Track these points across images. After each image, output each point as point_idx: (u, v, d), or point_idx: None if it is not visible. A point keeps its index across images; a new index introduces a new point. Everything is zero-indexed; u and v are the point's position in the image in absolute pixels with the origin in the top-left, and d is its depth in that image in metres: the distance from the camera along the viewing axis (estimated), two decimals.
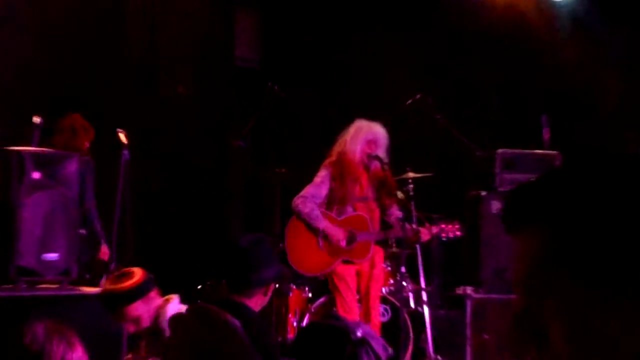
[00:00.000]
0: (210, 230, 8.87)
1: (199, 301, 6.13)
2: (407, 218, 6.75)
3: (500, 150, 7.06)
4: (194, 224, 8.88)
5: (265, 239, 4.04)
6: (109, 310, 4.23)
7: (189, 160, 8.84)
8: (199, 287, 7.72)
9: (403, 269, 7.04)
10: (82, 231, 6.44)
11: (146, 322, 4.18)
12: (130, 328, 4.26)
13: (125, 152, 6.54)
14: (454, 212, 7.27)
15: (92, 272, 6.83)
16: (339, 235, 6.77)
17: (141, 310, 4.15)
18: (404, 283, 7.22)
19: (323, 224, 6.77)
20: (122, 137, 6.62)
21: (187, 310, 3.96)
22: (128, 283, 4.16)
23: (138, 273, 4.23)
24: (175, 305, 4.22)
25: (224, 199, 9.20)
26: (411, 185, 7.20)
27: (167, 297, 4.30)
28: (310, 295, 7.28)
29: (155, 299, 4.21)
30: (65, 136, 6.93)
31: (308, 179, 7.00)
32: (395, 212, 6.93)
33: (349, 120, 6.97)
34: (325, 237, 6.79)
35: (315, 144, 7.97)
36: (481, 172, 7.27)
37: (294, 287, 7.25)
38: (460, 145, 7.58)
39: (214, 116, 9.06)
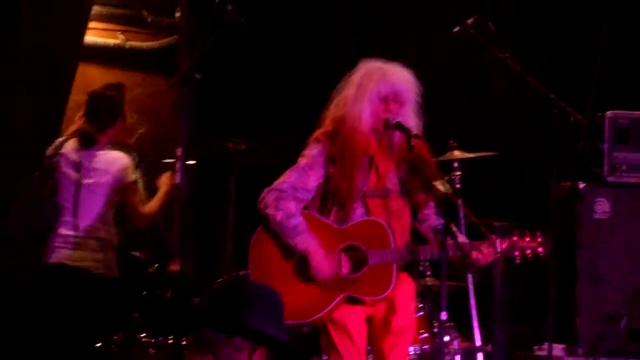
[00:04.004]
0: None
1: None
2: (448, 227, 5.15)
3: (609, 114, 6.33)
4: None
5: None
6: None
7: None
8: None
9: (444, 315, 5.48)
10: None
11: None
12: None
13: None
14: (531, 216, 6.04)
15: None
16: (323, 265, 5.29)
17: None
18: (447, 337, 6.27)
19: (304, 241, 5.31)
20: None
21: None
22: None
23: None
24: None
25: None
26: (458, 173, 6.39)
27: None
28: None
29: None
30: None
31: (287, 161, 5.61)
32: (432, 216, 5.53)
33: (352, 64, 5.46)
34: (304, 264, 5.31)
35: (297, 105, 7.42)
36: (577, 149, 6.50)
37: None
38: (543, 104, 6.19)
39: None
